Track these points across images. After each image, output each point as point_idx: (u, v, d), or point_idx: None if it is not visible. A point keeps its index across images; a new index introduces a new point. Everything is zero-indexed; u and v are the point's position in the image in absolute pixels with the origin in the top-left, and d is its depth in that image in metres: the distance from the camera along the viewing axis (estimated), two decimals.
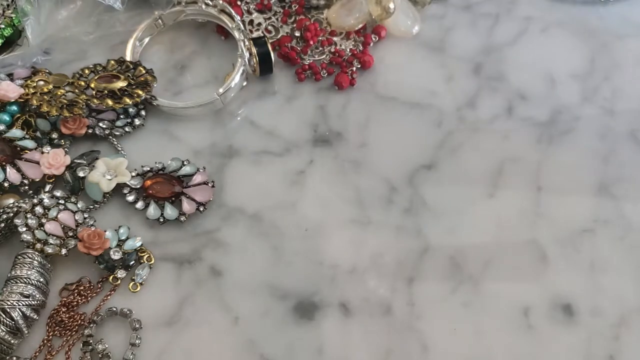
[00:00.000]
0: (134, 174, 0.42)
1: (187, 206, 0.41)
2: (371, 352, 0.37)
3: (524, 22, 0.50)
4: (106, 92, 0.43)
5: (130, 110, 0.44)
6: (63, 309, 0.38)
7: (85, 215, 0.40)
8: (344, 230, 0.41)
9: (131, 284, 0.39)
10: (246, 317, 0.38)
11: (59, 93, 0.43)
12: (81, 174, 0.41)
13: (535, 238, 0.40)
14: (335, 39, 0.48)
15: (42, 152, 0.41)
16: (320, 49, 0.48)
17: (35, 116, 0.43)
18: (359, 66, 0.47)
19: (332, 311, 0.38)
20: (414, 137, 0.44)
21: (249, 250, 0.40)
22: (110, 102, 0.43)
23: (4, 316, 0.35)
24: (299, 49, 0.47)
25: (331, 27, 0.48)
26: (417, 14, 0.48)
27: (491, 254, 0.40)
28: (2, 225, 0.38)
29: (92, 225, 0.40)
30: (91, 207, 0.41)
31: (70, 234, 0.39)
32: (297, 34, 0.48)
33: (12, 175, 0.40)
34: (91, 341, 0.37)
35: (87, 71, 0.45)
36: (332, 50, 0.48)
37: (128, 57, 0.46)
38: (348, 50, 0.48)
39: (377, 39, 0.48)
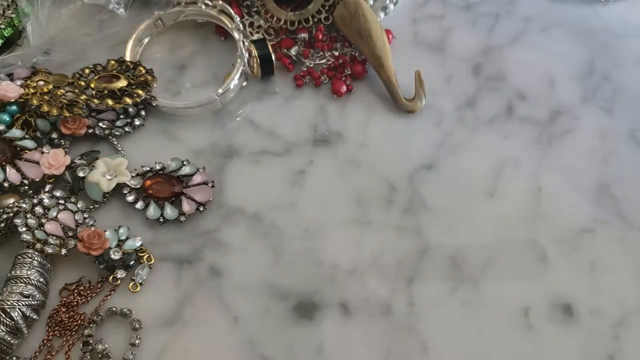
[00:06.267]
0: (133, 174, 0.42)
1: (187, 206, 0.41)
2: (371, 352, 0.37)
3: (524, 22, 0.50)
4: (106, 92, 0.43)
5: (130, 110, 0.44)
6: (63, 309, 0.38)
7: (85, 215, 0.40)
8: (344, 230, 0.41)
9: (131, 284, 0.39)
10: (246, 317, 0.38)
11: (59, 93, 0.43)
12: (81, 174, 0.41)
13: (535, 238, 0.40)
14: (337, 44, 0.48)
15: (42, 152, 0.41)
16: (321, 53, 0.48)
17: (35, 116, 0.43)
18: (349, 72, 0.47)
19: (332, 311, 0.38)
20: (414, 137, 0.44)
21: (249, 250, 0.40)
22: (110, 102, 0.43)
23: (4, 316, 0.35)
24: (293, 57, 0.47)
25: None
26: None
27: (491, 254, 0.40)
28: (2, 225, 0.38)
29: (92, 225, 0.40)
30: (91, 207, 0.41)
31: (70, 234, 0.39)
32: (303, 35, 0.47)
33: (12, 175, 0.40)
34: (91, 341, 0.37)
35: (87, 71, 0.45)
36: (336, 54, 0.47)
37: (128, 57, 0.46)
38: (348, 56, 0.47)
39: None
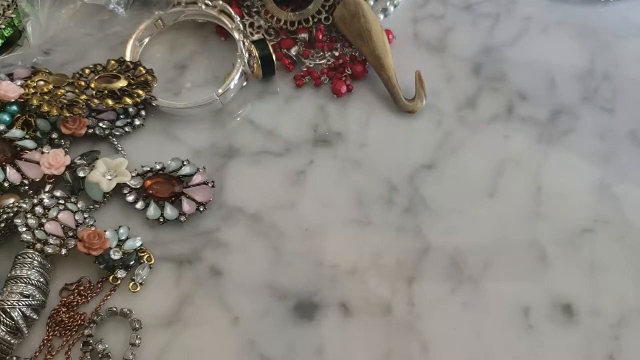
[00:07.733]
0: (134, 174, 0.42)
1: (187, 206, 0.41)
2: (371, 352, 0.37)
3: (524, 22, 0.50)
4: (106, 92, 0.43)
5: (130, 110, 0.44)
6: (63, 309, 0.38)
7: (85, 215, 0.40)
8: (344, 230, 0.41)
9: (131, 284, 0.39)
10: (246, 317, 0.38)
11: (59, 93, 0.43)
12: (81, 174, 0.41)
13: (535, 238, 0.40)
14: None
15: (42, 152, 0.41)
16: (322, 53, 0.48)
17: (35, 116, 0.43)
18: (349, 72, 0.47)
19: (332, 311, 0.38)
20: (414, 137, 0.44)
21: (249, 250, 0.40)
22: (110, 102, 0.43)
23: (4, 316, 0.35)
24: (293, 57, 0.47)
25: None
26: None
27: (491, 254, 0.40)
28: (2, 225, 0.39)
29: (92, 225, 0.40)
30: (91, 207, 0.41)
31: (70, 234, 0.39)
32: (303, 36, 0.47)
33: (12, 175, 0.40)
34: (91, 341, 0.37)
35: (87, 71, 0.45)
36: (336, 55, 0.47)
37: (128, 57, 0.46)
38: (348, 56, 0.47)
39: None
